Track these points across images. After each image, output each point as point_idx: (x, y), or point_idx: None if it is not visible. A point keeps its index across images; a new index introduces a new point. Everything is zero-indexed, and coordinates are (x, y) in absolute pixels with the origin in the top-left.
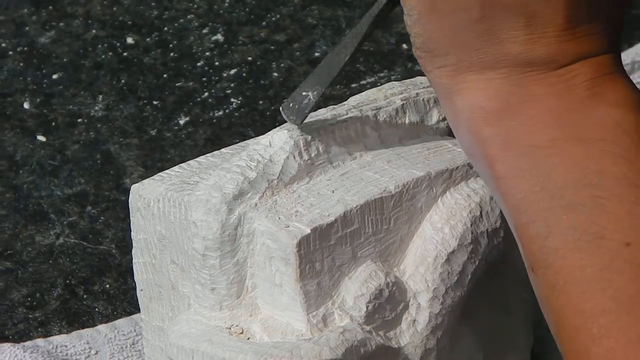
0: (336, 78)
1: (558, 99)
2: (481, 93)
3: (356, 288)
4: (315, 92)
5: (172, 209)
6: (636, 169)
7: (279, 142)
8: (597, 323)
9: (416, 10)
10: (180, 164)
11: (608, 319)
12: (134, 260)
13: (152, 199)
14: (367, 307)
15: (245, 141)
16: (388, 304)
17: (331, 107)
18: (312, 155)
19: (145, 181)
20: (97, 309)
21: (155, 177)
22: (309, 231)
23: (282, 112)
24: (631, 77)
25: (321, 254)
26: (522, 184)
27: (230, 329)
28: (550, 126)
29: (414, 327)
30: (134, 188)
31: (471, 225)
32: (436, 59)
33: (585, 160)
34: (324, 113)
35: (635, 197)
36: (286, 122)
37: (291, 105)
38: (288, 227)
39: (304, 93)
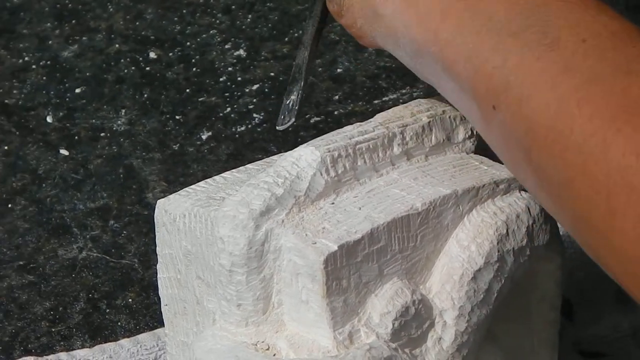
0: (308, 72)
1: None
2: None
3: (382, 305)
4: (294, 93)
5: (198, 225)
6: None
7: (306, 158)
8: (574, 99)
9: None
10: (206, 180)
11: (584, 92)
12: (158, 275)
13: (178, 215)
14: (393, 324)
15: (271, 157)
16: (414, 321)
17: (357, 124)
18: (339, 172)
19: (171, 196)
20: (119, 323)
21: (181, 192)
22: (336, 248)
23: (277, 128)
24: None
25: (348, 271)
26: (467, 36)
27: (256, 345)
28: None
29: (439, 345)
30: (160, 203)
31: (497, 243)
32: None
33: None
34: (350, 130)
35: (582, 11)
36: (313, 139)
37: (282, 117)
38: (315, 243)
39: (287, 101)
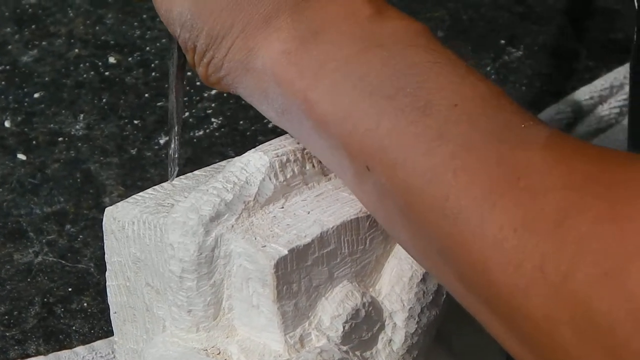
0: (179, 120)
1: (347, 22)
2: (276, 42)
3: (333, 308)
4: (172, 141)
5: (148, 232)
6: (441, 55)
7: (254, 163)
8: (449, 168)
9: (188, 15)
10: (154, 187)
11: (459, 161)
12: (107, 283)
13: (126, 222)
14: (344, 327)
15: (218, 163)
16: (364, 324)
17: None
18: (288, 176)
19: (119, 204)
20: (74, 328)
21: (129, 199)
22: (286, 252)
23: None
24: (609, 100)
25: (298, 275)
26: (339, 96)
27: (207, 350)
28: (349, 45)
29: (390, 347)
30: (108, 211)
31: None
32: (224, 43)
33: (392, 60)
34: None
35: (450, 73)
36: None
37: (169, 169)
38: (265, 247)
39: (169, 151)
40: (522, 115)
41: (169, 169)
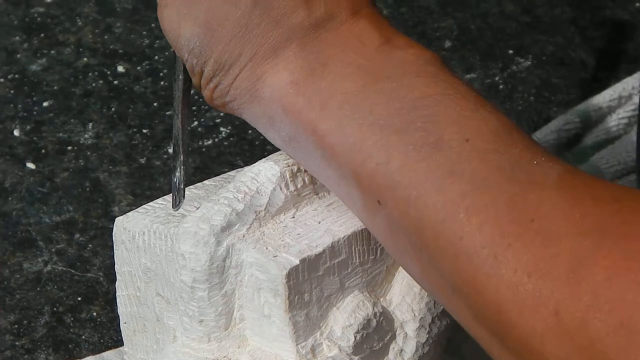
0: (185, 148)
1: (355, 54)
2: (284, 72)
3: (344, 318)
4: (178, 169)
5: (158, 242)
6: (451, 86)
7: (265, 173)
8: (462, 206)
9: (197, 41)
10: (164, 197)
11: (471, 200)
12: (117, 293)
13: (137, 232)
14: (355, 337)
15: (228, 172)
16: (376, 334)
17: None
18: (299, 186)
19: (130, 214)
20: (83, 337)
21: (140, 209)
22: (297, 262)
23: (173, 209)
24: (618, 111)
25: (310, 285)
26: (348, 129)
27: None
28: (358, 75)
29: (401, 357)
30: (118, 221)
31: None
32: (231, 71)
33: (401, 92)
34: None
35: (460, 106)
36: (275, 152)
37: (174, 197)
38: (276, 257)
39: (174, 179)
40: (533, 150)
41: (174, 198)
